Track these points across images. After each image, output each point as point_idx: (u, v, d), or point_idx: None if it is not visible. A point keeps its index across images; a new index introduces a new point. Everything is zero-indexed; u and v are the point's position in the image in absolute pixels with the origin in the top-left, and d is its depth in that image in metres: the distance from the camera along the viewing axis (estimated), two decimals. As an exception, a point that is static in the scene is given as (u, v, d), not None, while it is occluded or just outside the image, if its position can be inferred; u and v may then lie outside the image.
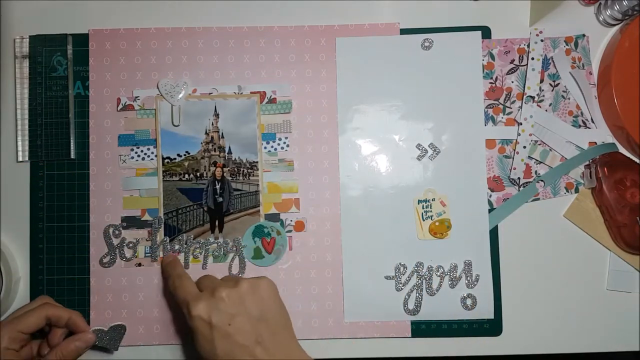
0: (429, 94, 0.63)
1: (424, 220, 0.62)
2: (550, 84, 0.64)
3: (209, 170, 0.63)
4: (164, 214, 0.62)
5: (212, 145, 0.63)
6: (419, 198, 0.63)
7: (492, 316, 0.62)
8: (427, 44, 0.63)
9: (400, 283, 0.62)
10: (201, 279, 0.57)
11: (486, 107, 0.64)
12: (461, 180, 0.63)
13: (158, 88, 0.62)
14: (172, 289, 0.55)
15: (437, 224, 0.62)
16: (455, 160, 0.63)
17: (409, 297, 0.62)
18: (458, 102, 0.63)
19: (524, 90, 0.63)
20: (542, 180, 0.63)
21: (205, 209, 0.62)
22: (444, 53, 0.63)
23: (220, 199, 0.62)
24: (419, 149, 0.63)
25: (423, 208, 0.63)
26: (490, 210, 0.63)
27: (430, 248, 0.62)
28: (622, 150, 0.64)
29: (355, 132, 0.63)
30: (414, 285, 0.62)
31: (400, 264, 0.62)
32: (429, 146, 0.63)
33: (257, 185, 0.62)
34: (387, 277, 0.62)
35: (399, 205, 0.63)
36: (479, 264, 0.62)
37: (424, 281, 0.62)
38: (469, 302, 0.62)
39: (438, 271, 0.62)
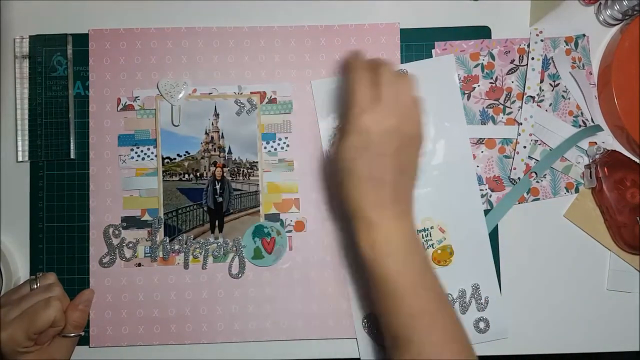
0: None
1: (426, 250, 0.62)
2: (551, 84, 0.64)
3: (209, 170, 0.62)
4: (164, 214, 0.62)
5: (212, 145, 0.63)
6: (417, 228, 0.62)
7: (507, 335, 0.61)
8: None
9: None
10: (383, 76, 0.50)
11: (486, 107, 0.64)
12: (456, 203, 0.62)
13: (158, 88, 0.62)
14: (351, 82, 0.50)
15: (439, 251, 0.62)
16: (448, 184, 0.62)
17: None
18: (442, 127, 0.63)
19: (524, 90, 0.63)
20: (534, 172, 0.62)
21: (205, 209, 0.62)
22: (420, 80, 0.59)
23: (220, 199, 0.62)
24: None
25: (423, 237, 0.62)
26: (488, 212, 0.63)
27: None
28: (622, 149, 0.64)
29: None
30: None
31: None
32: (422, 171, 0.60)
33: (257, 185, 0.62)
34: None
35: None
36: (486, 286, 0.61)
37: None
38: (482, 325, 0.61)
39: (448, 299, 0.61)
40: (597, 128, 0.63)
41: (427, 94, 0.59)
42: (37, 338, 0.53)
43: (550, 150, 0.63)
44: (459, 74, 0.63)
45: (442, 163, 0.63)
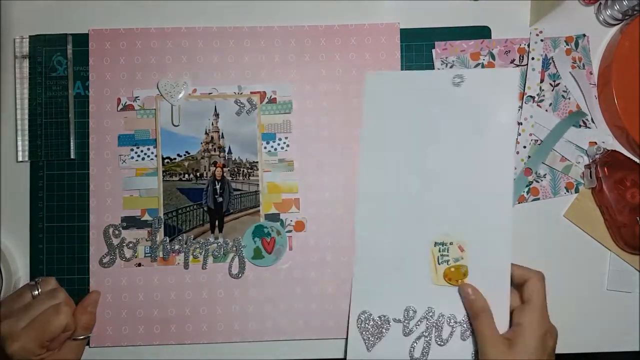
0: (456, 131, 0.60)
1: (439, 264, 0.59)
2: (551, 84, 0.64)
3: (209, 170, 0.62)
4: (164, 214, 0.62)
5: (212, 145, 0.63)
6: (436, 240, 0.60)
7: None
8: (457, 80, 0.60)
9: (408, 328, 0.59)
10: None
11: (486, 107, 0.64)
12: (483, 226, 0.59)
13: (158, 88, 0.62)
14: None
15: (452, 269, 0.59)
16: (478, 204, 0.59)
17: (416, 344, 0.59)
18: (487, 142, 0.60)
19: (524, 90, 0.63)
20: (529, 168, 0.62)
21: (205, 209, 0.62)
22: (475, 90, 0.60)
23: (220, 199, 0.62)
24: (439, 185, 0.60)
25: (440, 251, 0.60)
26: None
27: (444, 295, 0.58)
28: (622, 149, 0.64)
29: (377, 165, 0.61)
30: (423, 332, 0.59)
31: (410, 307, 0.59)
32: (451, 184, 0.60)
33: (257, 185, 0.62)
34: (395, 320, 0.59)
35: (413, 245, 0.60)
36: (496, 319, 0.57)
37: (433, 329, 0.58)
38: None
39: (450, 321, 0.58)
40: (581, 114, 0.62)
41: (482, 105, 0.60)
42: (48, 345, 0.53)
43: (540, 143, 0.62)
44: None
45: (478, 181, 0.60)
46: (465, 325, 0.59)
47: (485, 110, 0.60)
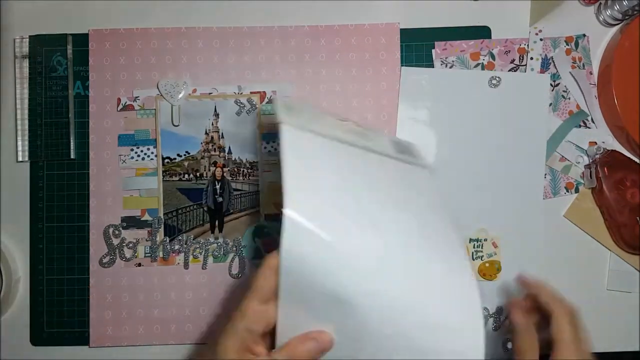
0: (491, 130, 0.62)
1: (474, 260, 0.61)
2: (551, 84, 0.64)
3: (209, 170, 0.62)
4: (164, 214, 0.62)
5: (212, 145, 0.63)
6: (471, 236, 0.62)
7: None
8: (494, 81, 0.62)
9: None
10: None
11: (486, 107, 0.64)
12: (516, 222, 0.61)
13: (158, 88, 0.62)
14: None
15: (487, 265, 0.61)
16: (512, 200, 0.61)
17: None
18: (521, 142, 0.62)
19: (524, 90, 0.63)
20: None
21: (205, 209, 0.62)
22: (510, 92, 0.61)
23: (220, 199, 0.62)
24: (475, 183, 0.62)
25: (474, 247, 0.62)
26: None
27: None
28: (622, 149, 0.64)
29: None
30: None
31: None
32: (484, 182, 0.61)
33: (257, 185, 0.62)
34: None
35: None
36: None
37: None
38: (509, 345, 0.61)
39: (483, 312, 0.60)
40: (583, 114, 0.63)
41: (516, 107, 0.61)
42: None
43: (555, 153, 0.63)
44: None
45: (511, 179, 0.61)
46: (495, 317, 0.61)
47: (519, 112, 0.62)
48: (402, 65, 0.63)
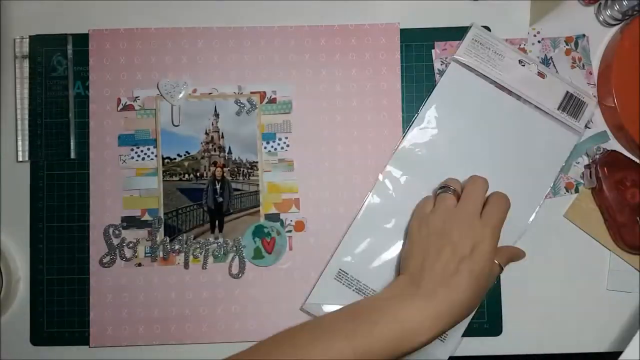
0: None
1: None
2: (550, 84, 0.64)
3: (209, 170, 0.63)
4: (164, 214, 0.62)
5: (212, 145, 0.63)
6: None
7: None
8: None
9: None
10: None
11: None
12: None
13: (158, 88, 0.62)
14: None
15: None
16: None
17: None
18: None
19: (524, 90, 0.63)
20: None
21: (205, 209, 0.62)
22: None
23: (220, 199, 0.62)
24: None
25: None
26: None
27: None
28: (622, 149, 0.64)
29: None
30: None
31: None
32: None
33: (257, 185, 0.62)
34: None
35: None
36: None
37: None
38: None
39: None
40: (604, 136, 0.63)
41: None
42: None
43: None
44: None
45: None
46: None
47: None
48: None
